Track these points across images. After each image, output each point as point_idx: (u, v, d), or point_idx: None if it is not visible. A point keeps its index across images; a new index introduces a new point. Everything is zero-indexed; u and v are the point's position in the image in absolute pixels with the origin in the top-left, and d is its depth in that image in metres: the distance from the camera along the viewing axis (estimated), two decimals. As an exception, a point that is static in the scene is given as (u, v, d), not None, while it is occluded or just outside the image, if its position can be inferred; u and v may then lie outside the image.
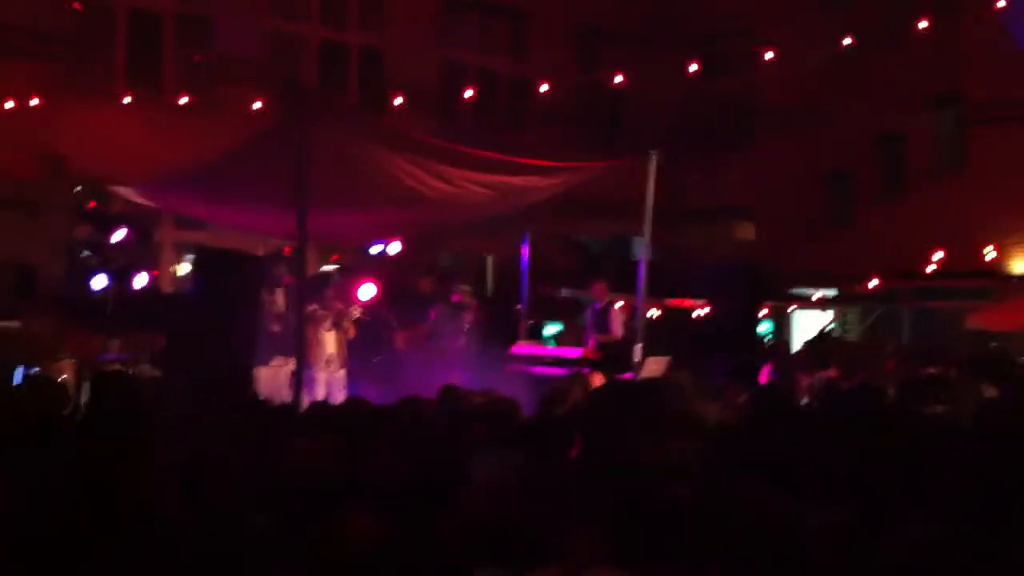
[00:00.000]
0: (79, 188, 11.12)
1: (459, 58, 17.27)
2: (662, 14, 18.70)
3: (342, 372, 9.89)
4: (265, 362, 9.18)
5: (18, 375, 8.70)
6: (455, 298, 11.47)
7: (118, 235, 10.76)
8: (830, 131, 16.95)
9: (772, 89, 17.09)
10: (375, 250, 12.05)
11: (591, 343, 10.73)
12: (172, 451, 4.56)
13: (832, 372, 8.82)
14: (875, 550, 3.32)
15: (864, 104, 16.52)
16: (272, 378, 9.26)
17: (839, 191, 17.40)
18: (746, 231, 17.42)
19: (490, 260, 16.00)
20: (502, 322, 11.34)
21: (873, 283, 14.13)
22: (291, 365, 8.45)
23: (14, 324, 10.14)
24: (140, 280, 10.93)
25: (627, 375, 8.97)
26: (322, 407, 6.42)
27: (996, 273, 14.81)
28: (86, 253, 11.37)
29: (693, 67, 13.71)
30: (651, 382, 8.25)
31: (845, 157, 17.15)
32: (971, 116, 16.33)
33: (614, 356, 9.80)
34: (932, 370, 8.55)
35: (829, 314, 16.61)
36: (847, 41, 13.14)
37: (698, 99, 18.43)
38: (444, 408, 6.00)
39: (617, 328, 10.68)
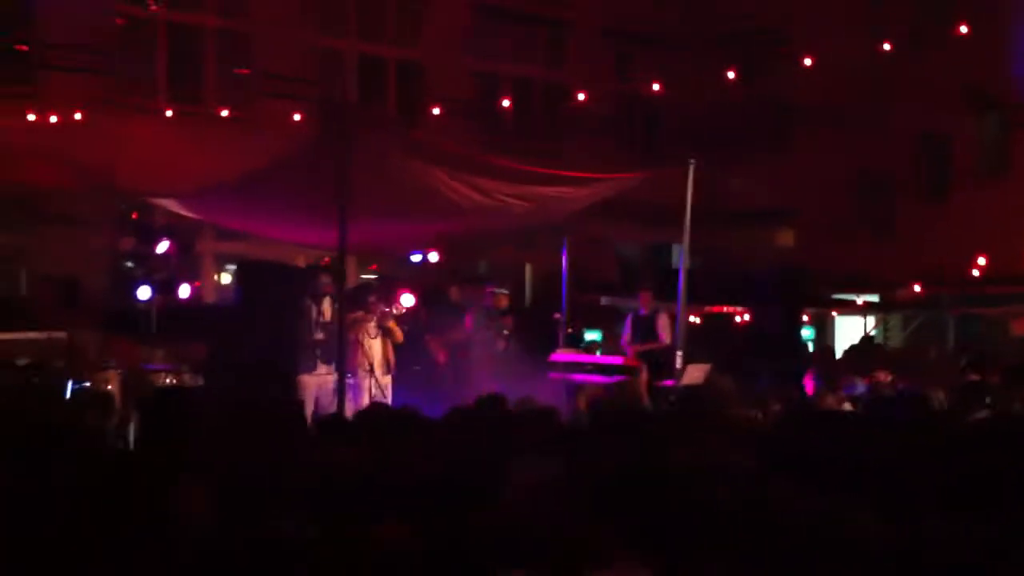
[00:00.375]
0: (122, 202, 11.29)
1: (495, 68, 17.33)
2: (697, 17, 18.64)
3: (387, 378, 9.94)
4: (311, 370, 9.27)
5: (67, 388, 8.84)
6: (487, 302, 11.50)
7: (161, 247, 10.92)
8: (870, 134, 16.79)
9: (811, 91, 16.96)
10: (415, 259, 12.13)
11: (630, 351, 10.70)
12: (217, 462, 4.62)
13: (881, 376, 8.72)
14: (909, 551, 3.30)
15: (905, 106, 16.36)
16: (319, 386, 9.34)
17: (880, 194, 17.22)
18: (786, 236, 17.29)
19: (528, 269, 16.02)
20: (541, 330, 11.35)
21: (916, 289, 13.96)
22: (330, 372, 8.55)
23: (60, 335, 10.31)
24: (183, 291, 11.09)
25: (669, 382, 8.95)
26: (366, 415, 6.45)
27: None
28: (130, 264, 11.57)
29: (730, 73, 13.67)
30: (693, 389, 8.26)
31: (885, 160, 16.97)
32: (1014, 120, 16.11)
33: (656, 363, 9.78)
34: (976, 377, 8.47)
35: (871, 320, 16.42)
36: (887, 46, 13.04)
37: (736, 102, 18.35)
38: (482, 415, 6.01)
39: (665, 335, 10.64)
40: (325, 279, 9.59)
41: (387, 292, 10.46)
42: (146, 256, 11.09)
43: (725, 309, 12.95)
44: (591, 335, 11.81)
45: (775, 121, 18.41)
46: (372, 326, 9.89)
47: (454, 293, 11.98)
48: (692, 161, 9.63)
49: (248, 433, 5.00)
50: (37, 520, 3.34)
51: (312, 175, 8.57)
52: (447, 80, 16.25)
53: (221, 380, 8.14)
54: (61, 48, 13.62)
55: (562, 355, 10.65)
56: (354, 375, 9.44)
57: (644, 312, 11.06)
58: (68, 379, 9.13)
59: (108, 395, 8.01)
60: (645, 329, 10.91)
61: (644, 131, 18.68)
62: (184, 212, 10.44)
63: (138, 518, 3.49)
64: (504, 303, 11.48)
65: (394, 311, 10.08)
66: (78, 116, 12.95)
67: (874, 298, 15.76)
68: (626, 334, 11.02)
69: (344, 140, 8.05)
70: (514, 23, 17.58)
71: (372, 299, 10.05)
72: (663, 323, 10.77)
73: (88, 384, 9.12)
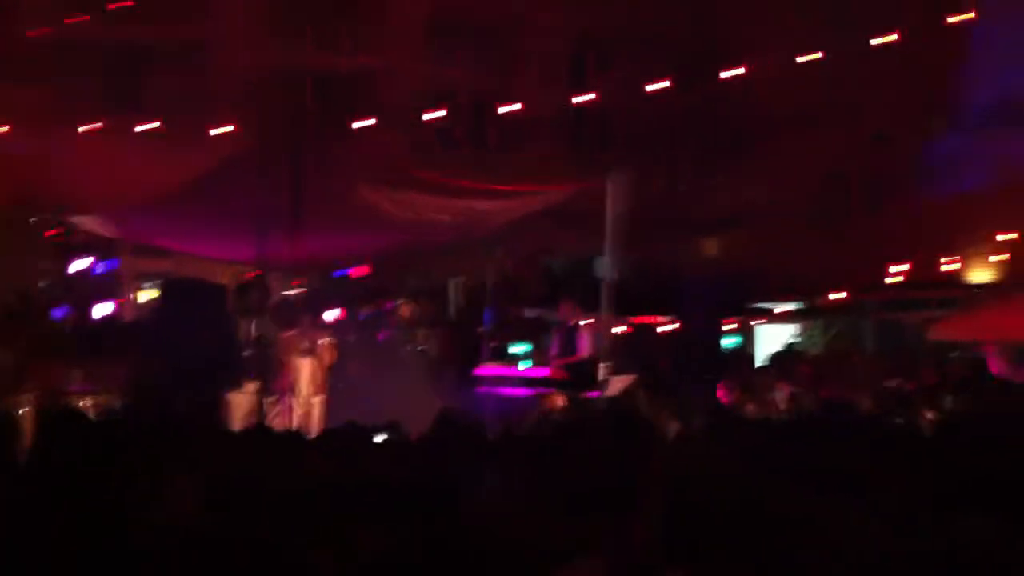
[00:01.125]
0: (36, 218, 11.02)
1: (450, 79, 17.30)
2: (654, 25, 18.77)
3: (317, 399, 9.80)
4: (237, 387, 9.13)
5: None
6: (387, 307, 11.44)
7: (78, 264, 10.67)
8: (819, 139, 17.06)
9: (762, 97, 17.18)
10: (337, 274, 12.04)
11: (553, 363, 10.70)
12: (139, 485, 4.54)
13: (799, 385, 8.90)
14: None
15: (856, 111, 16.67)
16: (243, 403, 9.20)
17: (826, 200, 17.48)
18: (710, 247, 17.50)
19: (453, 284, 15.99)
20: (467, 343, 11.32)
21: (837, 295, 14.21)
22: (259, 391, 8.46)
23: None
24: (101, 310, 10.85)
25: (593, 394, 9.00)
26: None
27: (957, 283, 14.94)
28: (46, 284, 11.29)
29: (665, 82, 13.71)
30: (610, 402, 8.34)
31: (833, 165, 17.28)
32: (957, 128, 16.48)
33: (580, 375, 9.82)
34: (895, 383, 8.69)
35: (795, 327, 16.67)
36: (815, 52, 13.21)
37: (686, 109, 18.46)
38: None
39: (585, 347, 10.66)
40: (254, 295, 9.48)
41: (316, 310, 10.35)
42: (63, 274, 10.84)
43: (651, 319, 13.06)
44: (517, 348, 11.82)
45: (726, 127, 18.61)
46: (302, 346, 9.78)
47: (364, 309, 11.89)
48: (615, 171, 9.72)
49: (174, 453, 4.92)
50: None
51: (235, 190, 8.49)
52: (401, 90, 16.17)
53: (142, 399, 7.99)
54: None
55: (487, 369, 10.63)
56: (281, 395, 9.32)
57: (569, 324, 10.97)
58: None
59: (15, 419, 7.79)
60: (568, 341, 10.86)
61: (599, 140, 18.73)
62: (104, 230, 10.23)
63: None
64: (406, 313, 11.33)
65: (327, 339, 9.95)
66: (2, 129, 12.61)
67: (794, 306, 15.99)
68: (554, 347, 11.00)
69: (273, 155, 8.01)
70: (468, 35, 17.59)
71: (307, 320, 9.92)
72: (582, 334, 10.74)
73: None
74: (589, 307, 11.25)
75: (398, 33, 16.47)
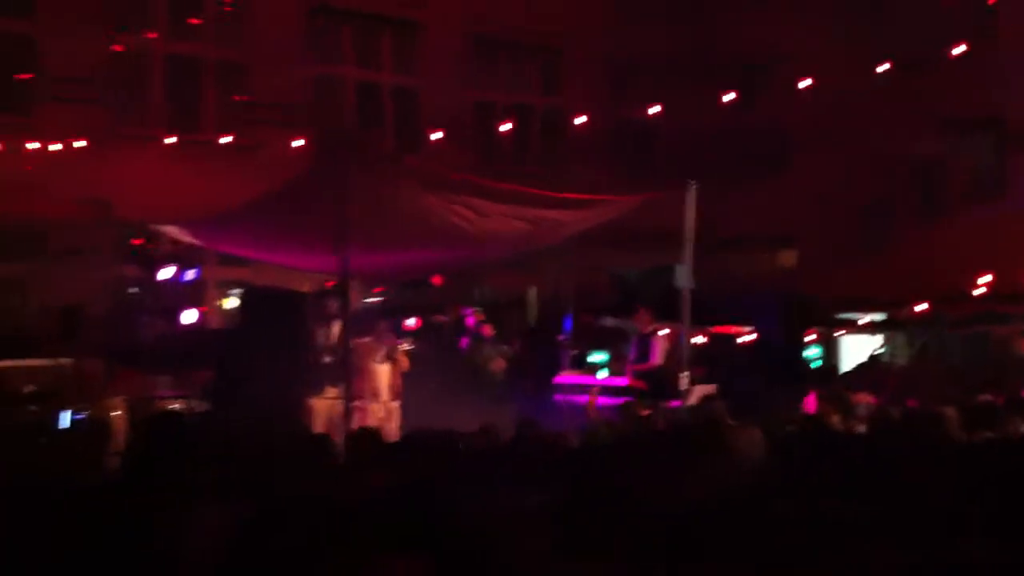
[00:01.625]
0: (124, 230, 11.32)
1: (491, 95, 17.43)
2: (694, 44, 18.77)
3: (395, 404, 9.97)
4: (319, 393, 9.31)
5: (64, 419, 8.79)
6: (469, 322, 11.54)
7: (164, 273, 10.94)
8: (868, 157, 16.89)
9: (808, 115, 17.08)
10: (412, 283, 12.16)
11: (630, 371, 10.69)
12: (225, 487, 4.62)
13: (883, 397, 8.73)
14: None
15: (902, 129, 16.46)
16: (326, 409, 9.38)
17: (878, 216, 17.28)
18: (788, 258, 17.33)
19: (531, 292, 16.03)
20: (546, 353, 11.36)
21: (922, 307, 13.95)
22: (339, 396, 8.59)
23: (66, 362, 10.30)
24: (188, 317, 11.11)
25: (675, 403, 8.96)
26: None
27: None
28: (133, 292, 11.58)
29: (727, 96, 13.75)
30: (691, 411, 8.29)
31: (883, 182, 17.04)
32: (1010, 141, 16.21)
33: (657, 384, 9.80)
34: (986, 397, 8.48)
35: (878, 339, 16.40)
36: (883, 67, 13.14)
37: (733, 127, 18.45)
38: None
39: (657, 356, 10.64)
40: (331, 303, 9.65)
41: (394, 317, 10.52)
42: (150, 283, 11.13)
43: (729, 330, 12.96)
44: (596, 356, 11.83)
45: (773, 146, 18.52)
46: (380, 353, 9.95)
47: (442, 317, 12.02)
48: (693, 183, 9.71)
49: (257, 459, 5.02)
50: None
51: (312, 202, 8.62)
52: (444, 107, 16.34)
53: (229, 405, 8.16)
54: (60, 80, 13.69)
55: (567, 377, 10.66)
56: (360, 400, 9.48)
57: (645, 332, 11.04)
58: (69, 408, 9.09)
59: (105, 423, 8.00)
60: (643, 349, 10.91)
61: (640, 157, 18.76)
62: (187, 239, 10.47)
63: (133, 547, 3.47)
64: (485, 326, 11.43)
65: (404, 345, 10.16)
66: (79, 145, 13.01)
67: (880, 316, 15.73)
68: (631, 355, 11.02)
69: (342, 169, 8.11)
70: (509, 51, 17.70)
71: (383, 327, 10.11)
72: (657, 343, 10.75)
73: (89, 413, 9.09)
74: (664, 316, 11.21)
75: (438, 50, 16.64)
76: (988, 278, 13.70)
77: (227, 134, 14.10)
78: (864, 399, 8.68)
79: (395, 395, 9.99)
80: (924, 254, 15.52)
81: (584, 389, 10.21)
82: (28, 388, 9.44)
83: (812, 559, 3.34)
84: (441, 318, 11.77)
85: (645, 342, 10.76)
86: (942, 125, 16.19)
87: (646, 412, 7.77)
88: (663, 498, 4.00)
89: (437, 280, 11.34)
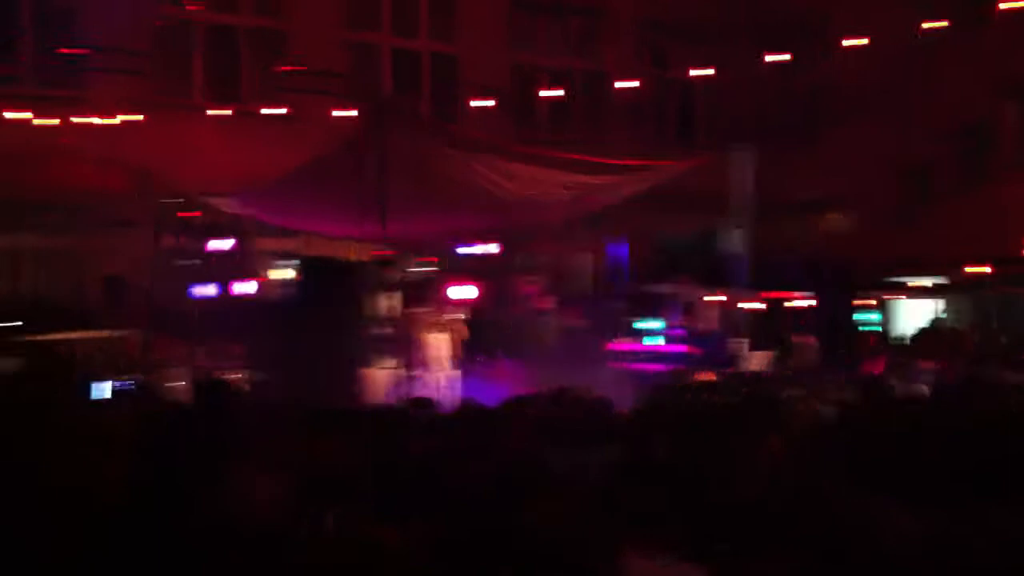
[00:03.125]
0: (168, 200, 11.36)
1: (531, 60, 17.26)
2: (736, 6, 18.47)
3: (456, 372, 9.93)
4: (376, 364, 9.30)
5: (100, 390, 8.73)
6: (527, 291, 11.44)
7: (217, 244, 10.97)
8: (913, 120, 16.56)
9: (852, 78, 16.75)
10: (464, 251, 12.10)
11: (678, 338, 10.60)
12: (276, 452, 4.64)
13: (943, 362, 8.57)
14: (961, 554, 3.23)
15: (949, 91, 16.11)
16: (384, 379, 9.38)
17: (924, 180, 16.97)
18: (836, 222, 17.06)
19: (585, 259, 15.92)
20: (600, 319, 11.28)
21: (982, 269, 13.56)
22: (398, 366, 8.59)
23: (109, 333, 10.39)
24: (241, 288, 11.14)
25: (730, 369, 8.87)
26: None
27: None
28: (184, 263, 11.62)
29: (774, 57, 13.47)
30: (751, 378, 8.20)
31: (928, 146, 16.70)
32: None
33: (712, 351, 9.74)
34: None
35: (939, 303, 16.05)
36: (933, 25, 12.81)
37: (776, 91, 18.17)
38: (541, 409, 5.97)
39: (711, 323, 10.55)
40: (386, 272, 9.62)
41: (447, 287, 10.45)
42: (201, 254, 11.17)
43: (783, 295, 12.77)
44: (646, 323, 11.72)
45: (817, 109, 18.21)
46: (437, 322, 9.91)
47: (496, 286, 11.92)
48: (747, 147, 9.55)
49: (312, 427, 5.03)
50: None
51: (355, 170, 8.59)
52: (482, 71, 16.20)
53: (283, 375, 8.19)
54: (105, 51, 13.74)
55: (621, 344, 10.59)
56: (418, 369, 9.45)
57: (688, 299, 10.94)
58: (110, 379, 9.12)
59: (153, 392, 8.07)
60: (689, 316, 10.82)
61: (682, 121, 18.54)
62: (235, 210, 10.49)
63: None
64: (540, 295, 11.36)
65: (461, 316, 10.08)
66: (123, 118, 13.08)
67: (940, 280, 15.37)
68: (677, 321, 10.93)
69: (384, 135, 8.05)
70: (548, 14, 17.49)
71: (435, 296, 10.06)
72: (710, 310, 10.65)
73: (134, 382, 9.14)
74: (706, 282, 11.10)
75: (476, 14, 16.43)
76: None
77: (268, 104, 14.10)
78: (927, 366, 8.52)
79: (453, 365, 9.93)
80: (975, 217, 15.22)
81: (639, 356, 10.14)
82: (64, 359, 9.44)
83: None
84: (500, 287, 11.70)
85: (692, 308, 10.66)
86: (993, 86, 15.80)
87: (705, 377, 7.74)
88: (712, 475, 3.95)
89: (486, 249, 11.26)
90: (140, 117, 12.88)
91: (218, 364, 9.81)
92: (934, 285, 15.37)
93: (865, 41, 12.60)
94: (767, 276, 11.99)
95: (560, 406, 5.91)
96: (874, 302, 12.80)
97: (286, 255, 12.84)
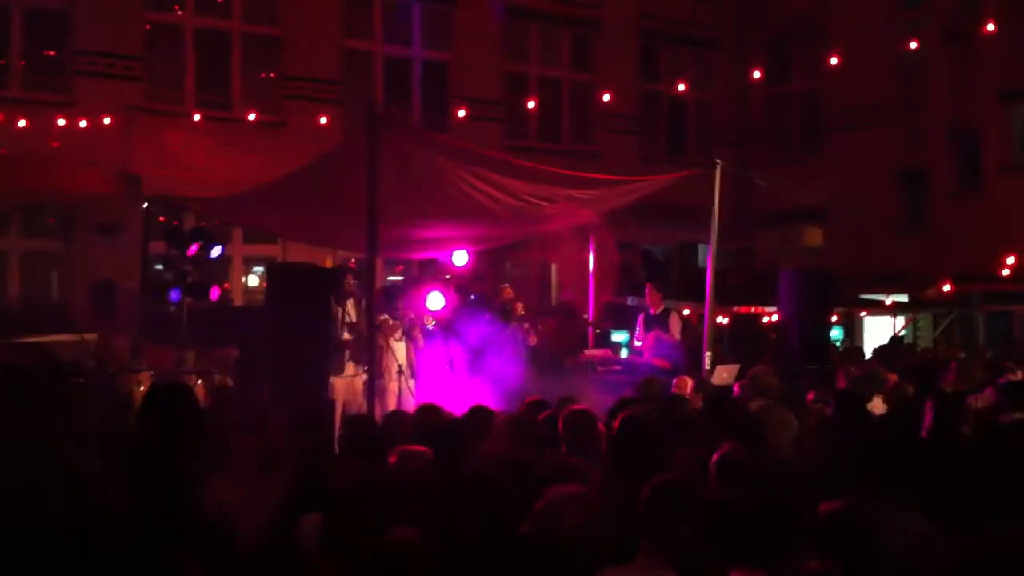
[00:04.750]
0: (147, 204, 11.37)
1: (522, 69, 17.31)
2: (726, 18, 18.58)
3: (413, 382, 9.97)
4: (339, 372, 9.32)
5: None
6: (501, 298, 11.44)
7: (193, 250, 10.99)
8: (901, 130, 16.66)
9: (842, 89, 16.86)
10: (432, 259, 12.13)
11: (643, 350, 10.58)
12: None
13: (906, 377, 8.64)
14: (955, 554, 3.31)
15: (936, 101, 16.23)
16: (347, 387, 9.41)
17: (912, 191, 17.04)
18: (815, 236, 17.15)
19: (554, 268, 15.99)
20: (570, 330, 11.31)
21: (945, 288, 13.76)
22: (364, 374, 8.59)
23: (91, 337, 10.41)
24: (214, 294, 11.16)
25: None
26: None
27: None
28: (161, 268, 11.64)
29: (757, 73, 13.59)
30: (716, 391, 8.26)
31: (917, 156, 16.77)
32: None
33: (677, 363, 9.77)
34: (1016, 377, 8.39)
35: (901, 320, 16.24)
36: (913, 44, 12.96)
37: (765, 102, 18.27)
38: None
39: (676, 335, 10.51)
40: (350, 280, 9.63)
41: (415, 298, 10.48)
42: (177, 259, 11.18)
43: (753, 310, 12.85)
44: (618, 335, 11.76)
45: (805, 120, 18.31)
46: (398, 330, 9.95)
47: (467, 295, 11.93)
48: (719, 162, 9.62)
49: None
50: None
51: (340, 178, 8.60)
52: (473, 81, 16.26)
53: (253, 382, 8.20)
54: (93, 55, 13.76)
55: (592, 355, 10.62)
56: (380, 378, 9.46)
57: (652, 311, 10.79)
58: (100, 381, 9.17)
59: (127, 396, 8.11)
60: (654, 327, 10.69)
61: (672, 132, 18.63)
62: (215, 216, 10.51)
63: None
64: (514, 303, 11.31)
65: (425, 322, 10.12)
66: (108, 121, 13.10)
67: (902, 297, 15.57)
68: (637, 333, 10.87)
69: (372, 144, 8.05)
70: (540, 24, 17.54)
71: (400, 304, 10.10)
72: (674, 322, 10.58)
73: (113, 386, 9.16)
74: (691, 296, 11.12)
75: (469, 23, 16.47)
76: (1012, 259, 13.48)
77: (254, 110, 14.14)
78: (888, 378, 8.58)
79: (414, 373, 9.97)
80: (956, 229, 15.31)
81: (608, 367, 10.16)
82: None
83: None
84: (471, 294, 11.70)
85: (655, 321, 10.60)
86: (979, 96, 15.91)
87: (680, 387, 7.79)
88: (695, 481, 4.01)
89: (459, 258, 11.27)
90: (129, 122, 12.93)
91: (184, 369, 9.82)
92: (900, 303, 15.49)
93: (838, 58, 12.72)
94: (740, 290, 12.07)
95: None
96: (836, 318, 12.88)
97: (267, 261, 12.86)
